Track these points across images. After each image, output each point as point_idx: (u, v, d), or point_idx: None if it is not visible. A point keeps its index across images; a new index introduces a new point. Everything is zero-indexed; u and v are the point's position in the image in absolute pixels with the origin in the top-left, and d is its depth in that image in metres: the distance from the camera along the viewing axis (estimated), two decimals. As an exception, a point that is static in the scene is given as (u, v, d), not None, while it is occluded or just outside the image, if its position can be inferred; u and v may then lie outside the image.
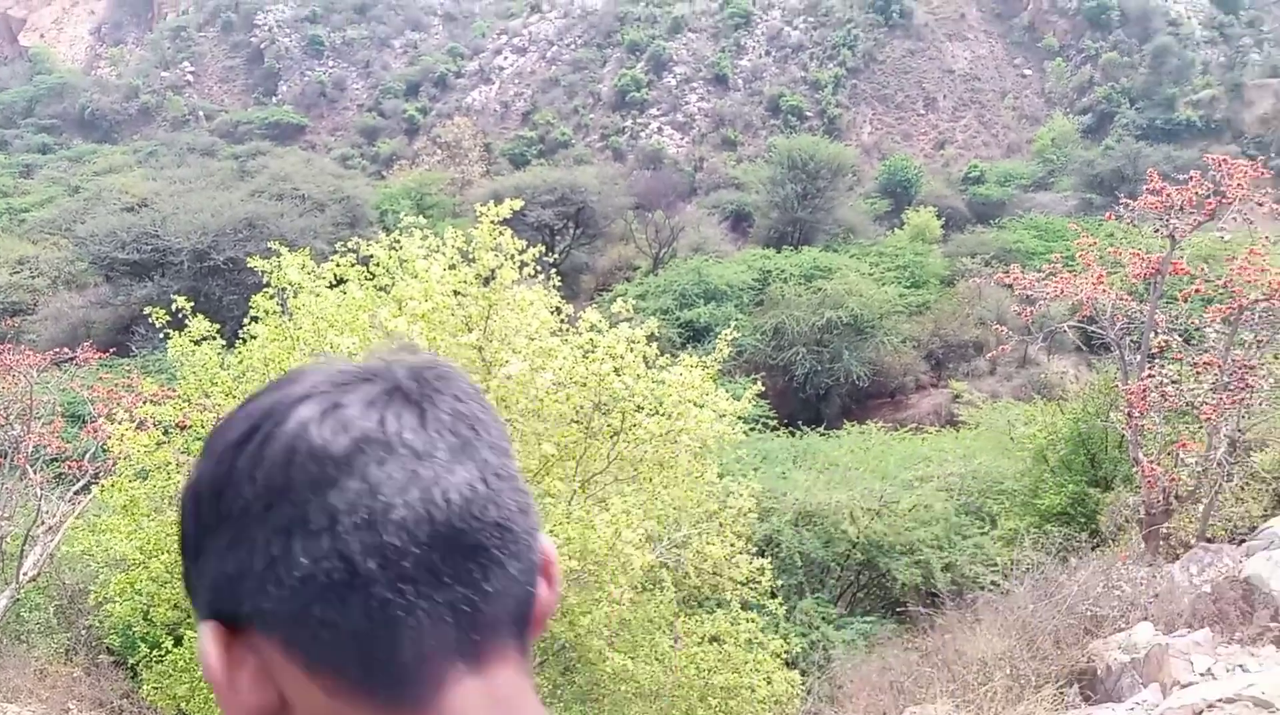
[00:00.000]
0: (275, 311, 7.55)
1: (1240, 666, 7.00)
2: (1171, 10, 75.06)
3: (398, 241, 7.36)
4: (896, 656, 9.86)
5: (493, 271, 6.88)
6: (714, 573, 7.44)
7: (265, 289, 7.70)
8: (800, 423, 23.09)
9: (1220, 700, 5.33)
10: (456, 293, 6.78)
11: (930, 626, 10.12)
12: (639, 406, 6.74)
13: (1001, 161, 65.32)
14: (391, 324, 6.14)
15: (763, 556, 11.36)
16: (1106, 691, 7.83)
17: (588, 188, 43.52)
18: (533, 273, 7.18)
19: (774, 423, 22.94)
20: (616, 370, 6.70)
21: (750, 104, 72.53)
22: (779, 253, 40.45)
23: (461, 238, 6.97)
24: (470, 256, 6.95)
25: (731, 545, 7.74)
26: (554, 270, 38.65)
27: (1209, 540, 11.21)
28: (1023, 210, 55.09)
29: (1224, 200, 11.51)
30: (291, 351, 6.99)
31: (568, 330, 7.51)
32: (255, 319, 7.60)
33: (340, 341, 6.11)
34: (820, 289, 34.29)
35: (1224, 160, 11.93)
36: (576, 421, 7.00)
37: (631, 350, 6.85)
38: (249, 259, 8.02)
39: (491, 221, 6.97)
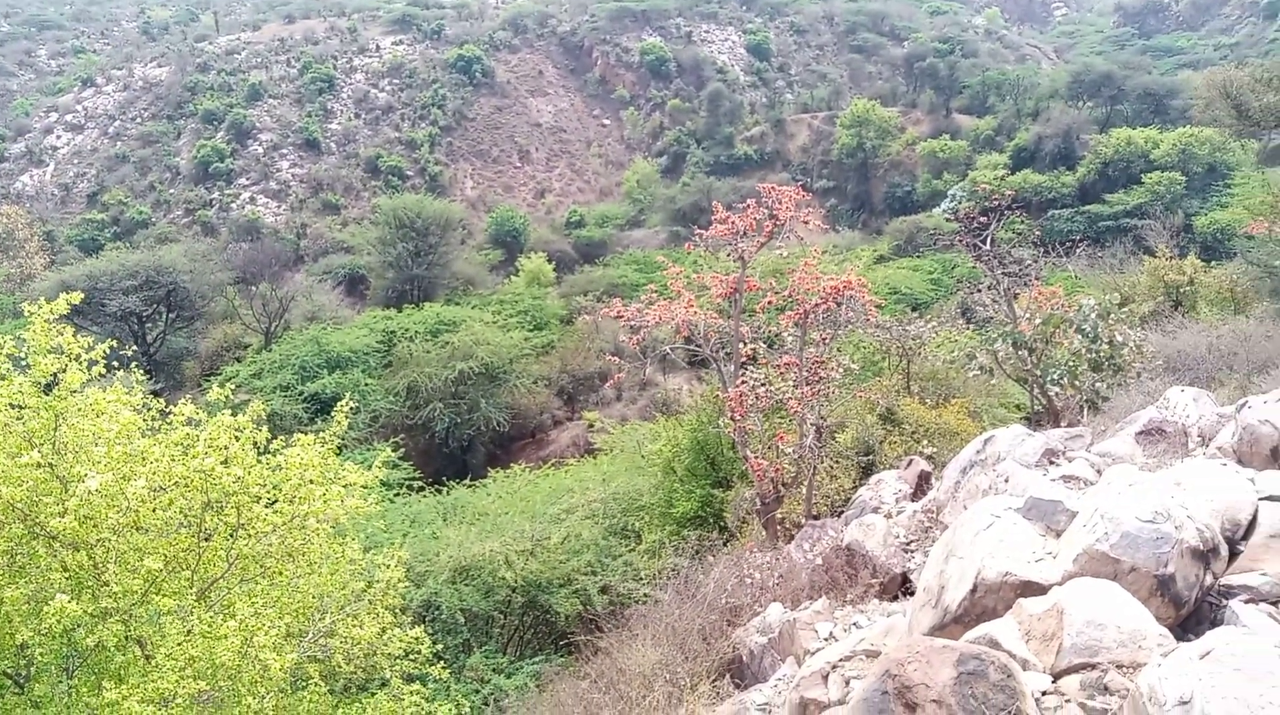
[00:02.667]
0: None
1: (855, 625, 7.88)
2: (717, 59, 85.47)
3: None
4: (566, 689, 10.00)
5: (55, 376, 6.03)
6: (368, 655, 7.07)
7: None
8: (447, 479, 22.81)
9: (840, 660, 5.95)
10: (13, 405, 5.85)
11: (594, 652, 10.38)
12: (256, 497, 6.23)
13: (597, 205, 69.95)
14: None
15: (423, 622, 11.05)
16: (753, 674, 8.52)
17: (176, 267, 39.72)
18: (104, 370, 6.38)
19: (420, 484, 22.42)
20: (225, 462, 6.15)
21: (347, 166, 70.96)
22: (400, 312, 39.82)
23: (10, 342, 6.01)
24: (25, 362, 6.03)
25: (384, 621, 7.41)
26: (147, 360, 34.83)
27: (815, 517, 12.71)
28: (622, 247, 59.51)
29: (777, 222, 13.22)
30: None
31: (162, 427, 6.77)
32: None
33: None
34: (448, 343, 34.28)
35: (772, 188, 13.70)
36: (185, 526, 6.33)
37: (238, 438, 6.34)
38: None
39: (45, 320, 6.10)
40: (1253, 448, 6.79)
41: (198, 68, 78.87)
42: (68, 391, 5.96)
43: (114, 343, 6.74)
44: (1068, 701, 3.78)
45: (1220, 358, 14.61)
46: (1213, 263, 29.81)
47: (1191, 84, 56.83)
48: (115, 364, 7.06)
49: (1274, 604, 4.49)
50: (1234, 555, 5.04)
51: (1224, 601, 4.53)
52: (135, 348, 34.62)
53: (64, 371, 6.03)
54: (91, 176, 69.61)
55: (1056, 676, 4.01)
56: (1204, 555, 4.66)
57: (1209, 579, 4.66)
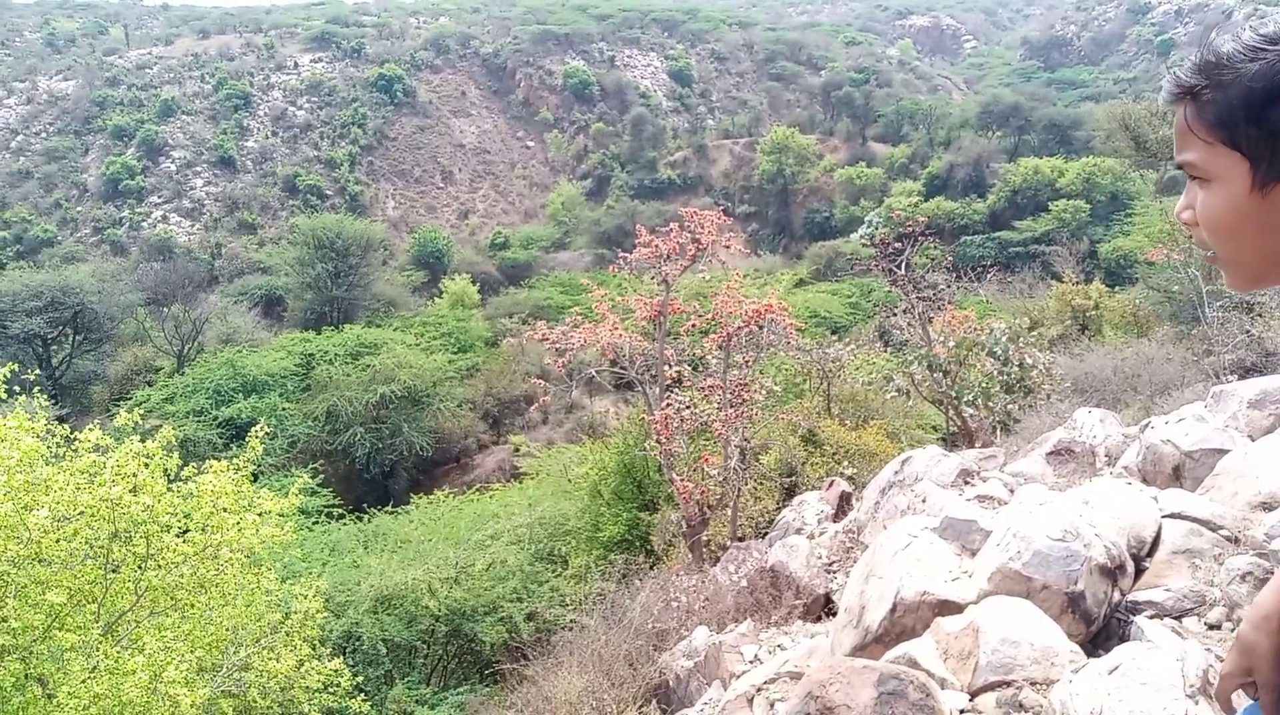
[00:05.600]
0: None
1: (779, 646, 7.95)
2: (640, 84, 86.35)
3: None
4: (491, 720, 9.86)
5: (-52, 403, 5.75)
6: (284, 688, 6.86)
7: None
8: (368, 505, 22.32)
9: (765, 682, 6.00)
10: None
11: (520, 680, 10.26)
12: (166, 527, 6.01)
13: (522, 226, 69.80)
14: None
15: (344, 653, 10.77)
16: (679, 699, 8.51)
17: (84, 287, 38.18)
18: (5, 395, 6.09)
19: (340, 511, 21.89)
20: (133, 490, 5.93)
21: (264, 185, 69.43)
22: (319, 334, 38.94)
23: (-100, 367, 5.70)
24: (-85, 388, 5.73)
25: (302, 653, 7.20)
26: (52, 385, 33.35)
27: (740, 539, 12.82)
28: (547, 269, 59.42)
29: (700, 246, 13.38)
30: None
31: (66, 454, 6.49)
32: None
33: None
34: (369, 366, 33.65)
35: (695, 212, 13.87)
36: (91, 558, 6.07)
37: (147, 465, 6.11)
38: None
39: (-59, 343, 5.83)
40: (1155, 467, 7.09)
41: (107, 82, 76.51)
42: (-37, 418, 5.69)
43: (15, 367, 6.45)
44: (985, 718, 3.87)
45: (1125, 379, 15.23)
46: (1116, 288, 31.16)
47: (1094, 116, 59.47)
48: (17, 389, 6.75)
49: (1177, 618, 4.69)
50: (1140, 571, 5.25)
51: (1130, 617, 4.70)
52: (39, 372, 33.17)
53: (-40, 398, 5.75)
54: (-8, 193, 66.80)
55: (974, 694, 4.11)
56: (1112, 572, 4.84)
57: (1116, 595, 4.84)
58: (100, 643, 5.52)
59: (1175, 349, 17.21)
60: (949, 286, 18.12)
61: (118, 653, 5.35)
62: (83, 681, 5.16)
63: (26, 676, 5.29)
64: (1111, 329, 23.23)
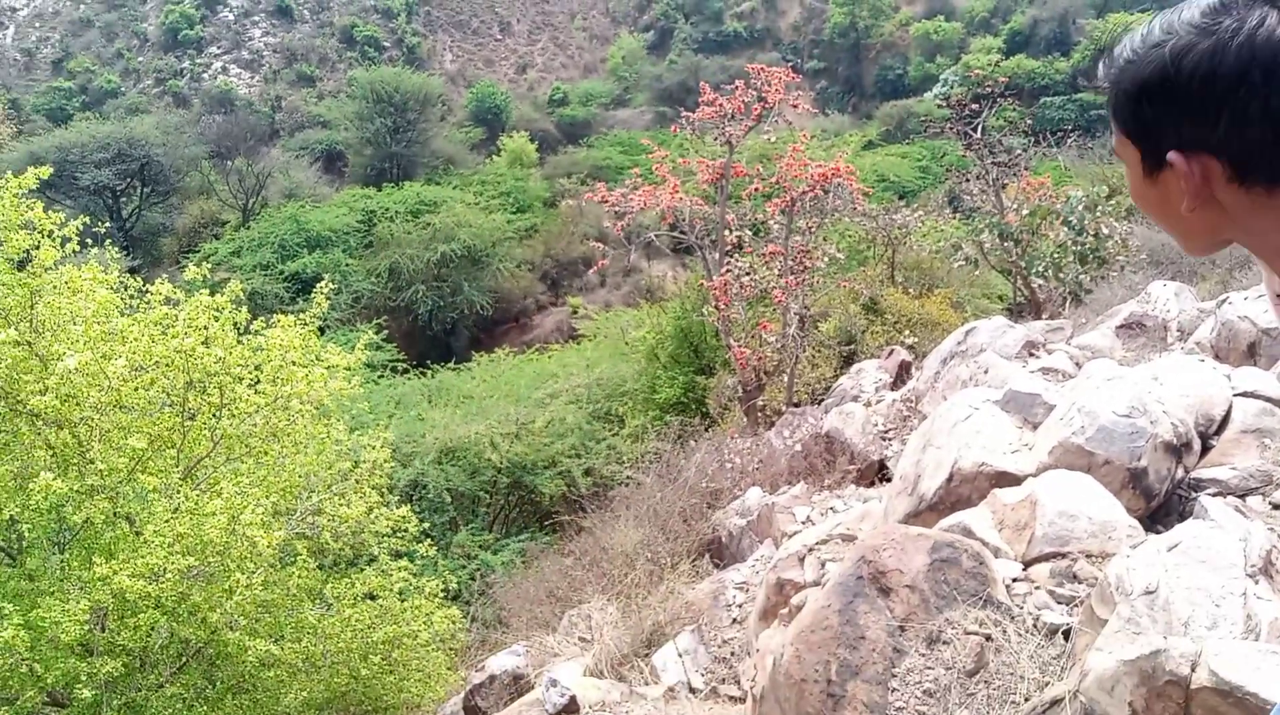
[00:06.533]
0: None
1: (831, 509, 8.09)
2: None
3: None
4: (551, 566, 10.31)
5: (28, 253, 5.89)
6: (355, 532, 7.21)
7: None
8: (431, 361, 22.87)
9: (817, 543, 6.13)
10: (-14, 283, 5.74)
11: (578, 531, 10.66)
12: (238, 378, 6.21)
13: (581, 82, 67.96)
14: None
15: (410, 501, 11.26)
16: (731, 555, 8.78)
17: (149, 140, 38.53)
18: (78, 247, 6.24)
19: (404, 366, 22.49)
20: (205, 342, 6.10)
21: (322, 36, 68.29)
22: (380, 191, 39.00)
23: (-22, 219, 5.84)
24: (-6, 239, 5.88)
25: (371, 500, 7.53)
26: (123, 237, 34.22)
27: (796, 405, 12.89)
28: (606, 127, 58.10)
29: (766, 104, 12.92)
30: None
31: (140, 306, 6.68)
32: None
33: None
34: (429, 224, 33.80)
35: (762, 69, 13.33)
36: (169, 406, 6.32)
37: (217, 318, 6.27)
38: None
39: (15, 194, 5.92)
40: (1230, 344, 6.87)
41: (162, -74, 74.76)
42: (41, 269, 5.84)
43: (87, 219, 6.58)
44: (1037, 589, 3.90)
45: (1204, 252, 14.60)
46: (1203, 155, 29.47)
47: (1195, -34, 54.80)
48: (90, 241, 6.91)
49: (1241, 497, 4.62)
50: (1206, 449, 5.15)
51: (1193, 495, 4.65)
52: (110, 224, 33.96)
53: (37, 248, 5.89)
54: (55, 41, 66.74)
55: (1027, 565, 4.14)
56: (1177, 449, 4.76)
57: (1180, 472, 4.77)
58: (180, 486, 5.81)
59: (1262, 221, 16.38)
60: (1026, 151, 17.34)
61: (197, 496, 5.64)
62: (166, 521, 5.46)
63: (115, 515, 5.61)
64: (1195, 199, 22.12)
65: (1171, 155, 1.11)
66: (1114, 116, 1.20)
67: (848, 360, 13.80)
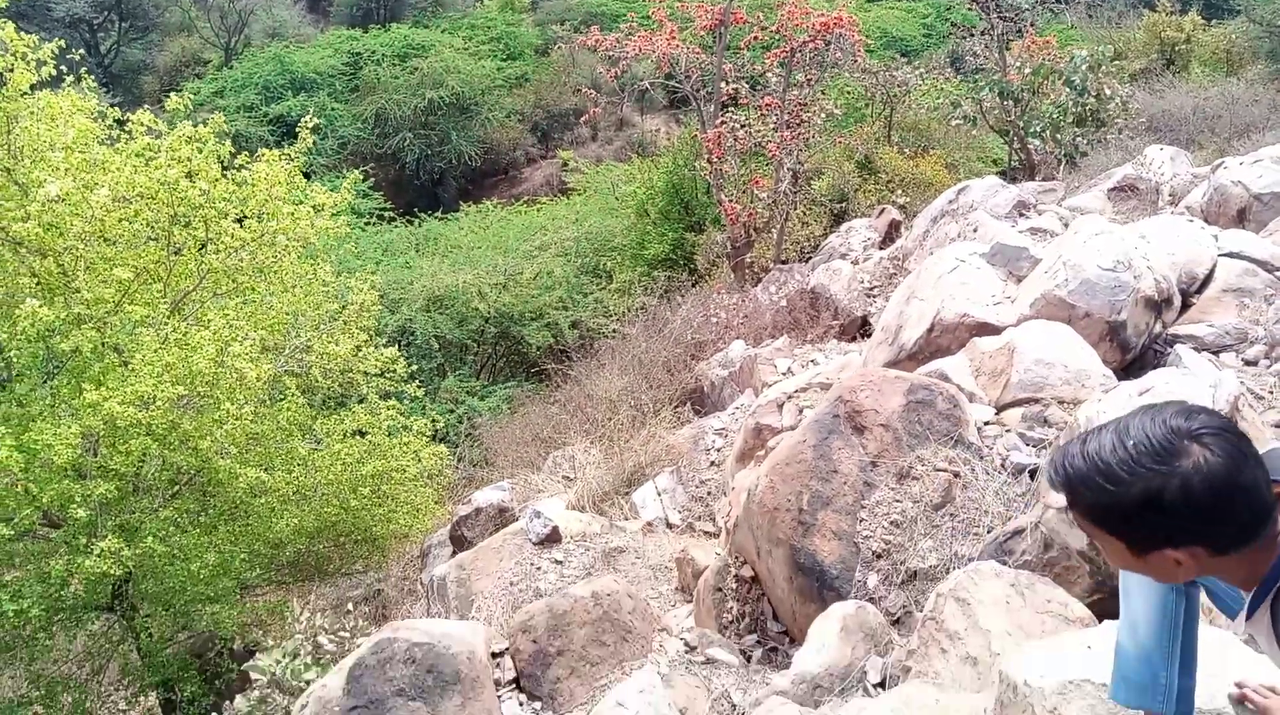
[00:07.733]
0: None
1: (812, 361, 8.22)
2: None
3: None
4: (537, 411, 10.52)
5: (1, 75, 5.69)
6: (344, 371, 7.29)
7: None
8: (418, 210, 22.57)
9: (796, 391, 6.25)
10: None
11: (564, 380, 10.83)
12: (223, 213, 6.13)
13: (578, -81, 64.34)
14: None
15: (398, 346, 11.35)
16: (713, 404, 8.97)
17: (124, -31, 36.69)
18: (54, 73, 6.01)
19: (391, 214, 22.19)
20: (189, 175, 5.99)
21: None
22: (366, 33, 37.46)
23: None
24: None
25: (359, 340, 7.58)
26: (102, 73, 32.98)
27: (783, 262, 12.87)
28: (603, -30, 55.38)
29: (770, -54, 12.32)
30: None
31: (121, 138, 6.51)
32: None
33: None
34: (417, 69, 32.62)
35: (767, -94, 12.63)
36: (154, 239, 6.27)
37: (200, 150, 6.13)
38: None
39: (-16, 15, 5.67)
40: (1220, 208, 6.85)
41: None
42: (17, 93, 5.65)
43: (62, 42, 6.32)
44: (1007, 431, 4.03)
45: (1205, 120, 14.33)
46: (1214, 21, 28.58)
47: None
48: (66, 69, 6.66)
49: (1216, 353, 4.72)
50: (1186, 307, 5.23)
51: (1168, 349, 4.74)
52: (89, 59, 32.65)
53: (10, 71, 5.68)
54: None
55: (1000, 409, 4.26)
56: (1157, 305, 4.82)
57: (1158, 327, 4.85)
58: (168, 318, 5.83)
59: (1265, 90, 16.04)
60: (1033, 9, 16.74)
61: (185, 327, 5.66)
62: (155, 351, 5.50)
63: (103, 344, 5.64)
64: (1200, 65, 21.57)
65: (1170, 552, 1.43)
66: (1091, 521, 1.49)
67: (838, 219, 13.71)
